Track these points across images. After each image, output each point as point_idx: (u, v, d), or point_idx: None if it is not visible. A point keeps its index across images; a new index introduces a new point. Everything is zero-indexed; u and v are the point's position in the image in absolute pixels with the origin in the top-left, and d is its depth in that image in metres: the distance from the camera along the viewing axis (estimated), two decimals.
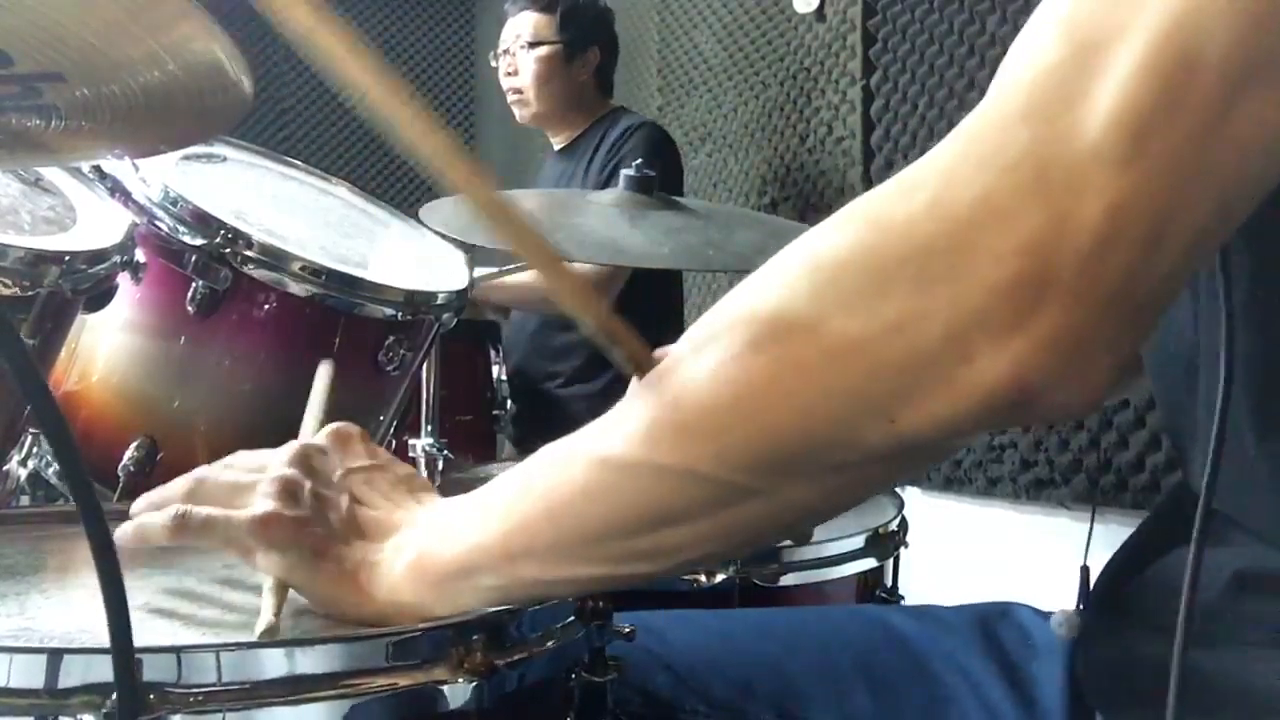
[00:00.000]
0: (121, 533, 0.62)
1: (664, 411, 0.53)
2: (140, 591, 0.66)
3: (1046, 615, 0.79)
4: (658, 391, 0.53)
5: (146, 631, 0.59)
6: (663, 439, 0.53)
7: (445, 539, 0.60)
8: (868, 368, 0.48)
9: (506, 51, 2.58)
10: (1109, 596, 0.70)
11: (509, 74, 2.58)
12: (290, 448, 0.67)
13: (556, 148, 2.65)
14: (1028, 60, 0.48)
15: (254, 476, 0.64)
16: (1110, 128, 0.44)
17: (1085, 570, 0.74)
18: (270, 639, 0.56)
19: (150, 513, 0.63)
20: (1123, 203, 0.44)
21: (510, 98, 2.60)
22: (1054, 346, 0.46)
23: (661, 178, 1.54)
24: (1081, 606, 0.73)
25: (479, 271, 1.71)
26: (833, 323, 0.49)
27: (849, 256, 0.50)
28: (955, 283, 0.46)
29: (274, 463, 0.66)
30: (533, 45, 2.52)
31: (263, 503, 0.62)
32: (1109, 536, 0.75)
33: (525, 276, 2.21)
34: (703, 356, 0.52)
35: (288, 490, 0.63)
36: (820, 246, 0.51)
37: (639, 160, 1.57)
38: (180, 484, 0.65)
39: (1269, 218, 0.49)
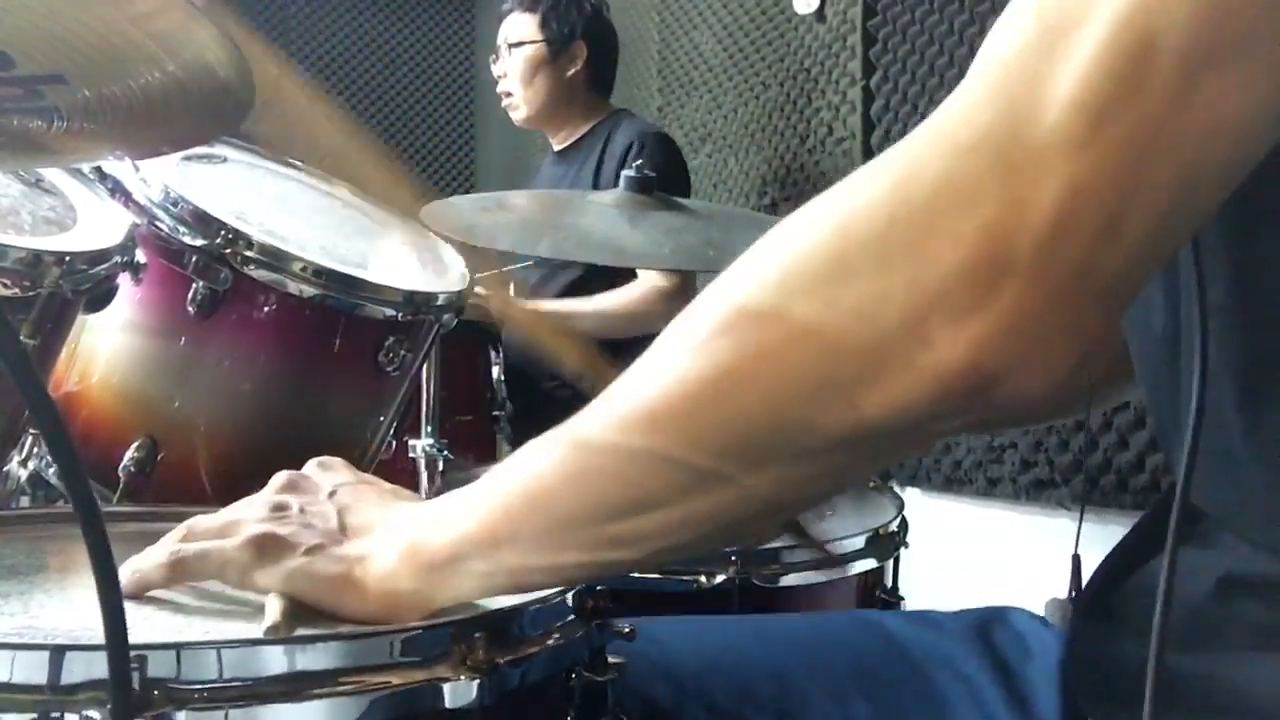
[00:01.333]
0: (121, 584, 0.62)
1: (636, 396, 0.54)
2: None
3: (1042, 619, 0.79)
4: (633, 378, 0.55)
5: (151, 625, 0.59)
6: (635, 423, 0.53)
7: (436, 526, 0.61)
8: (830, 351, 0.49)
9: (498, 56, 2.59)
10: (1099, 601, 0.70)
11: (500, 77, 2.59)
12: (275, 479, 0.68)
13: (556, 149, 2.65)
14: (998, 45, 0.48)
15: (241, 514, 0.65)
16: (1069, 110, 0.45)
17: (1076, 559, 0.75)
18: (275, 636, 0.57)
19: (144, 556, 0.64)
20: (1080, 185, 0.45)
21: (503, 101, 2.61)
22: (1011, 329, 0.46)
23: (670, 187, 1.54)
24: (1073, 594, 0.73)
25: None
26: (796, 308, 0.49)
27: (814, 242, 0.50)
28: (914, 265, 0.47)
29: (260, 497, 0.67)
30: (516, 45, 2.53)
31: (254, 526, 0.63)
32: (1108, 537, 0.75)
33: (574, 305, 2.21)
34: (674, 343, 0.53)
35: (277, 511, 0.65)
36: (789, 234, 0.52)
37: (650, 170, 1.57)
38: (172, 534, 0.65)
39: (1245, 212, 0.49)
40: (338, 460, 0.72)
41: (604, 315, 2.30)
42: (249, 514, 0.65)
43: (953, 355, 0.46)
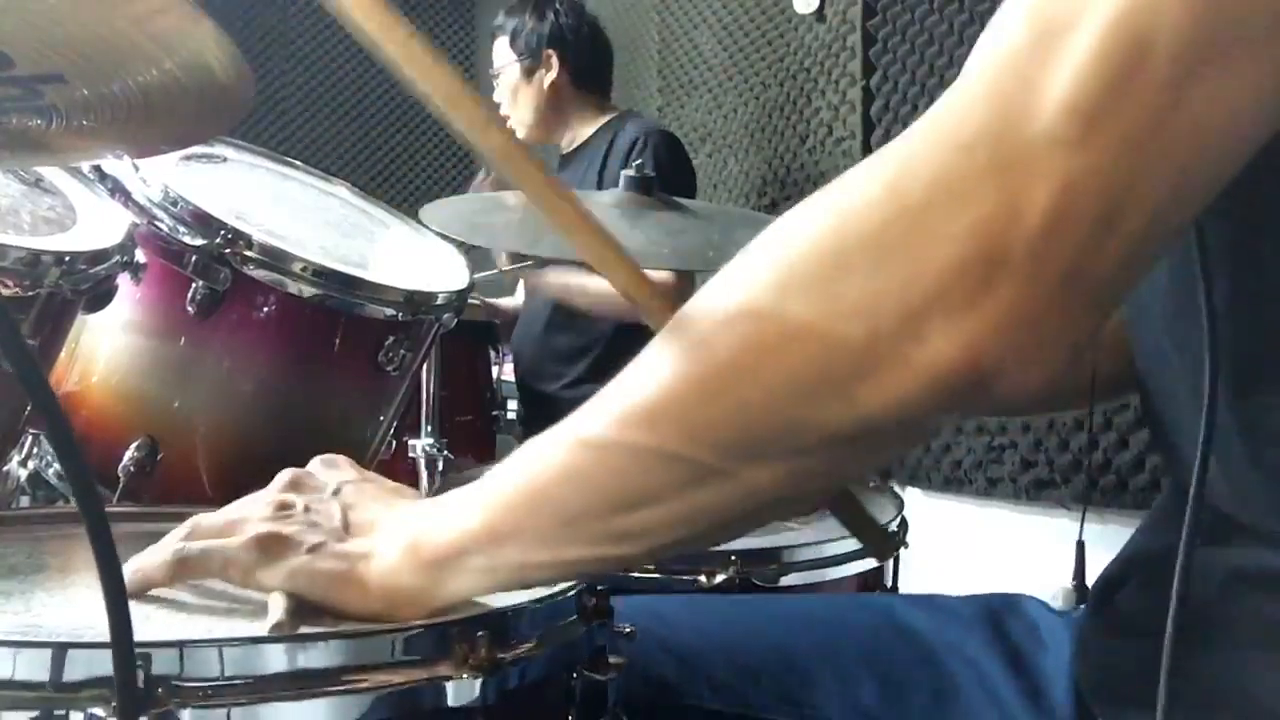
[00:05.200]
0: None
1: (635, 393, 0.54)
2: None
3: (1053, 609, 0.79)
4: (631, 376, 0.55)
5: (153, 624, 0.59)
6: (635, 420, 0.54)
7: (437, 523, 0.61)
8: (827, 349, 0.49)
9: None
10: (1107, 600, 0.70)
11: (498, 104, 2.65)
12: (280, 477, 0.69)
13: (562, 152, 2.65)
14: (991, 46, 0.49)
15: (245, 512, 0.65)
16: (1063, 111, 0.45)
17: (1080, 545, 0.75)
18: (279, 634, 0.57)
19: (148, 555, 0.64)
20: (1073, 185, 0.45)
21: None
22: (1006, 326, 0.46)
23: (674, 186, 1.53)
24: (1076, 583, 0.73)
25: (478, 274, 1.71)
26: (794, 305, 0.50)
27: (811, 241, 0.51)
28: (910, 263, 0.47)
29: (265, 494, 0.67)
30: (497, 74, 2.59)
31: (257, 525, 0.63)
32: (1109, 537, 0.75)
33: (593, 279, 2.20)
34: (673, 341, 0.53)
35: (281, 510, 0.65)
36: (785, 233, 0.52)
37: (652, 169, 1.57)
38: (176, 532, 0.65)
39: (1249, 213, 0.49)
40: (342, 458, 0.72)
41: (597, 294, 2.28)
42: (253, 512, 0.65)
43: (949, 352, 0.47)
